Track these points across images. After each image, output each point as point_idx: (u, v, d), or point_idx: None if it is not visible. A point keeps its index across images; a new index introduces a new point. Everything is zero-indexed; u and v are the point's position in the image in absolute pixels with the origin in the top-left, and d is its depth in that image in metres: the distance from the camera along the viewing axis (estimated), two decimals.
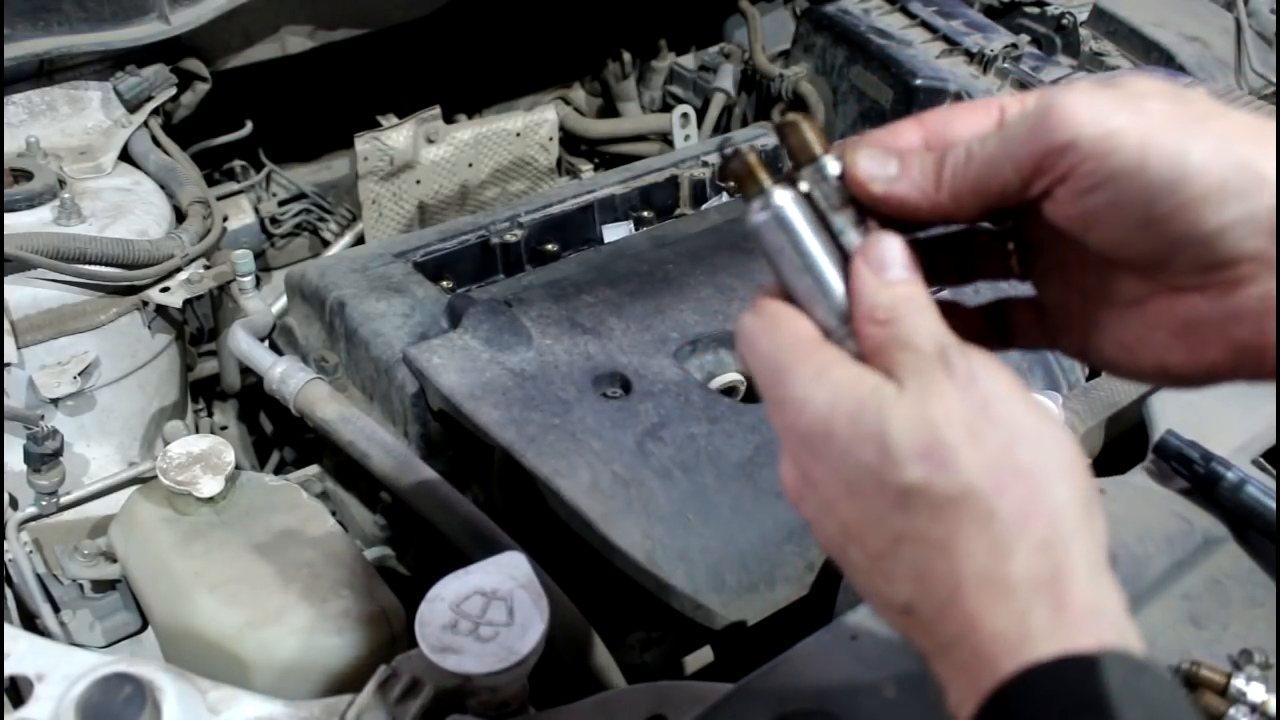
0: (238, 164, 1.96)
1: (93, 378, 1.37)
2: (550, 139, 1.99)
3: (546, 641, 0.80)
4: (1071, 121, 0.48)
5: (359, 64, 1.98)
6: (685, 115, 2.14)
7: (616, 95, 2.29)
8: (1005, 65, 1.90)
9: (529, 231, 1.56)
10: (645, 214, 1.67)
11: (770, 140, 1.79)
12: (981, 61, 1.91)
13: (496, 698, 0.81)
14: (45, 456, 1.23)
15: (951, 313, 0.54)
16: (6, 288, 1.30)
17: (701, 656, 1.12)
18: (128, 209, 1.46)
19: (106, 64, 1.62)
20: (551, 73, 2.35)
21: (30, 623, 1.27)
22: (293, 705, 0.83)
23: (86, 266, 1.33)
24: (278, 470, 1.62)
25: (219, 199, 1.75)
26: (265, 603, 1.00)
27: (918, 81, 1.88)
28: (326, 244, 2.00)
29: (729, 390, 1.27)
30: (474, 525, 1.09)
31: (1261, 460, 1.07)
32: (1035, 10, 2.14)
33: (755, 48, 2.16)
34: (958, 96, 1.86)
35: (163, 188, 1.54)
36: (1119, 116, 0.47)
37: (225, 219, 1.65)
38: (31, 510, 1.25)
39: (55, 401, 1.35)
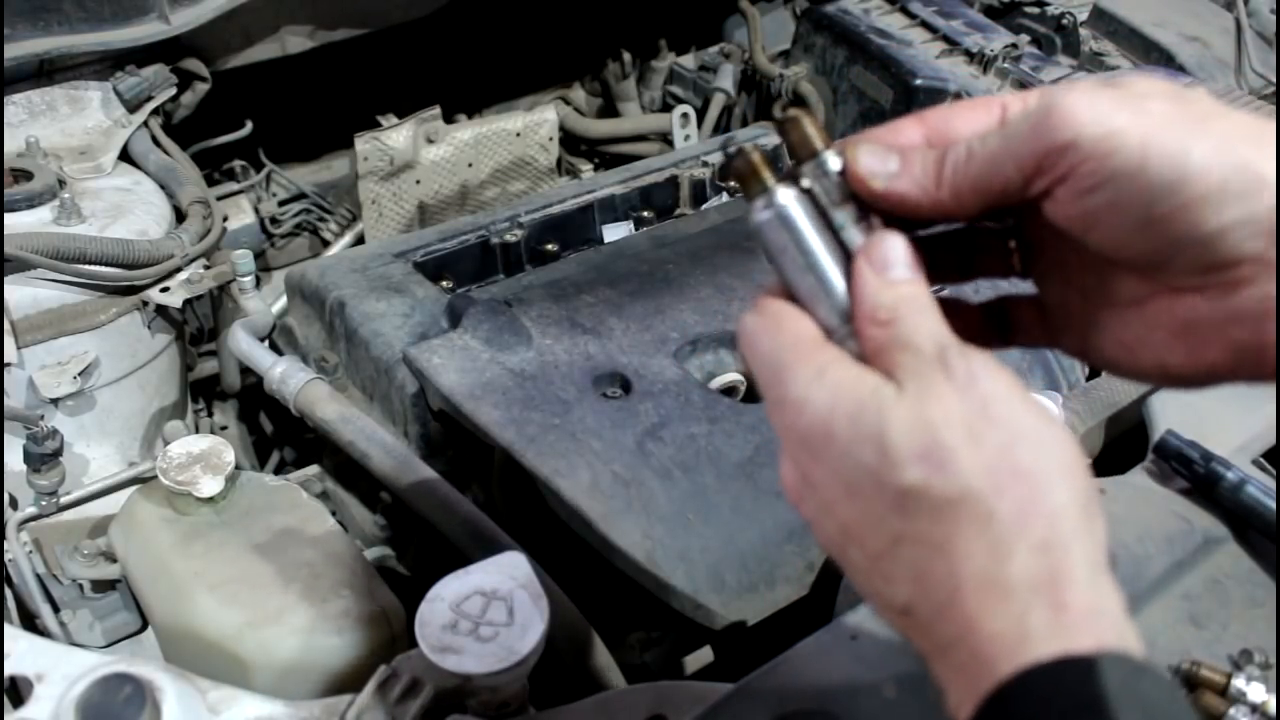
0: (238, 164, 1.96)
1: (93, 378, 1.37)
2: (550, 139, 1.99)
3: (546, 641, 0.80)
4: (1073, 121, 0.48)
5: (359, 64, 1.98)
6: (685, 115, 2.14)
7: (616, 95, 2.29)
8: (1005, 65, 1.90)
9: (529, 231, 1.56)
10: (645, 214, 1.67)
11: (771, 140, 1.79)
12: (981, 61, 1.91)
13: (496, 698, 0.81)
14: (45, 456, 1.23)
15: (953, 310, 0.54)
16: (6, 288, 1.30)
17: (701, 656, 1.12)
18: (128, 209, 1.46)
19: (106, 64, 1.62)
20: (551, 73, 2.34)
21: (30, 623, 1.27)
22: (293, 705, 0.83)
23: (86, 266, 1.33)
24: (278, 470, 1.62)
25: (219, 199, 1.75)
26: (265, 603, 1.00)
27: (918, 81, 1.88)
28: (326, 244, 2.00)
29: (729, 390, 1.27)
30: (474, 525, 1.09)
31: (1261, 460, 1.07)
32: (1035, 10, 2.13)
33: (755, 48, 2.16)
34: (958, 96, 1.85)
35: (163, 188, 1.54)
36: (1120, 116, 0.47)
37: (225, 219, 1.65)
38: (31, 510, 1.25)
39: (55, 401, 1.35)
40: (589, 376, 1.20)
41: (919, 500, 0.47)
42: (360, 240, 1.93)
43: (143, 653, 1.29)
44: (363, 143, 1.80)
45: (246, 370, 1.46)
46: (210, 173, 1.90)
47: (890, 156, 0.53)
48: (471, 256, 1.51)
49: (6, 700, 0.80)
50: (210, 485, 1.08)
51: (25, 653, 0.81)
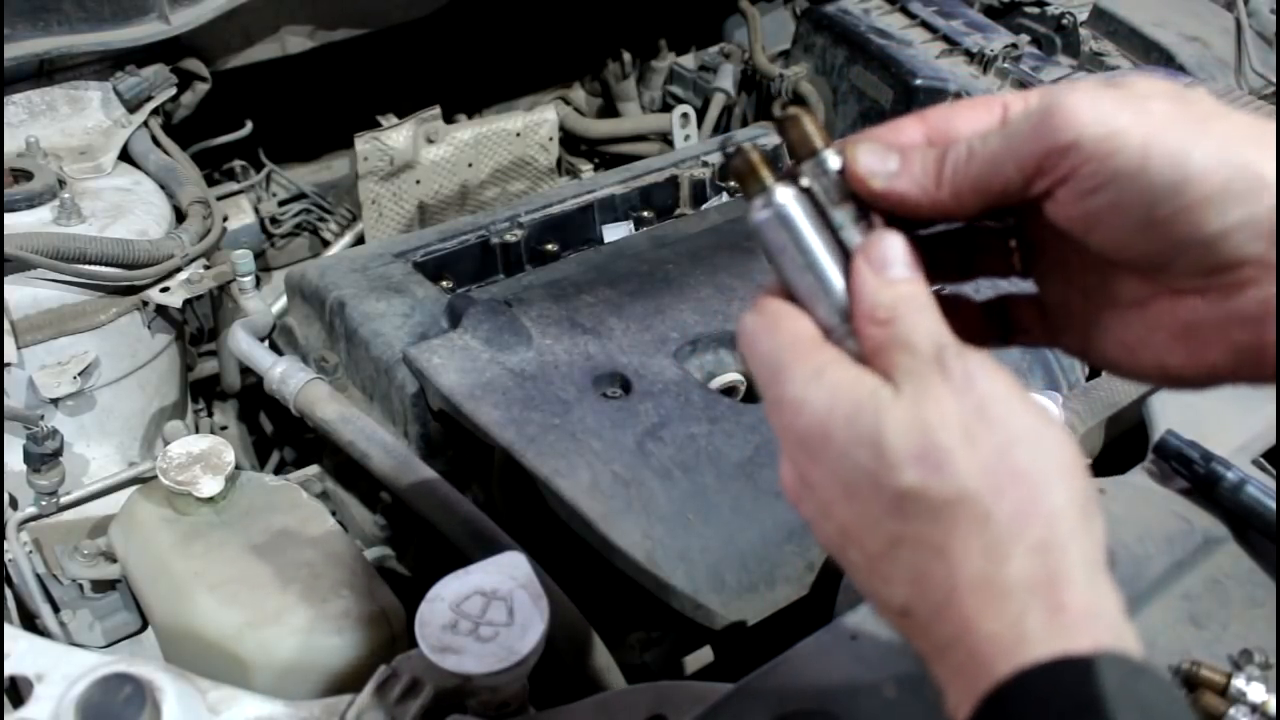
0: (238, 164, 1.96)
1: (93, 378, 1.37)
2: (550, 139, 1.99)
3: (546, 641, 0.80)
4: (1075, 121, 0.48)
5: (359, 64, 1.98)
6: (685, 115, 2.14)
7: (616, 95, 2.29)
8: (1005, 65, 1.90)
9: (529, 231, 1.56)
10: (645, 214, 1.67)
11: (771, 140, 1.79)
12: (981, 61, 1.91)
13: (496, 698, 0.81)
14: (45, 456, 1.23)
15: (953, 309, 0.53)
16: (6, 288, 1.30)
17: (701, 656, 1.12)
18: (128, 209, 1.46)
19: (106, 64, 1.62)
20: (551, 73, 2.34)
21: (30, 623, 1.27)
22: (293, 705, 0.83)
23: (86, 266, 1.33)
24: (278, 470, 1.62)
25: (219, 199, 1.75)
26: (265, 603, 1.00)
27: (918, 81, 1.88)
28: (326, 244, 2.00)
29: (729, 390, 1.27)
30: (474, 525, 1.09)
31: (1261, 460, 1.07)
32: (1035, 10, 2.13)
33: (755, 48, 2.16)
34: (958, 96, 1.85)
35: (163, 188, 1.54)
36: (1122, 117, 0.47)
37: (225, 219, 1.65)
38: (31, 510, 1.25)
39: (55, 401, 1.35)
40: (589, 376, 1.20)
41: (916, 502, 0.47)
42: (360, 240, 1.93)
43: (143, 653, 1.29)
44: (363, 143, 1.80)
45: (246, 370, 1.46)
46: (210, 173, 1.90)
47: (890, 155, 0.53)
48: (471, 256, 1.51)
49: (6, 700, 0.80)
50: (210, 485, 1.08)
51: (25, 653, 0.81)
